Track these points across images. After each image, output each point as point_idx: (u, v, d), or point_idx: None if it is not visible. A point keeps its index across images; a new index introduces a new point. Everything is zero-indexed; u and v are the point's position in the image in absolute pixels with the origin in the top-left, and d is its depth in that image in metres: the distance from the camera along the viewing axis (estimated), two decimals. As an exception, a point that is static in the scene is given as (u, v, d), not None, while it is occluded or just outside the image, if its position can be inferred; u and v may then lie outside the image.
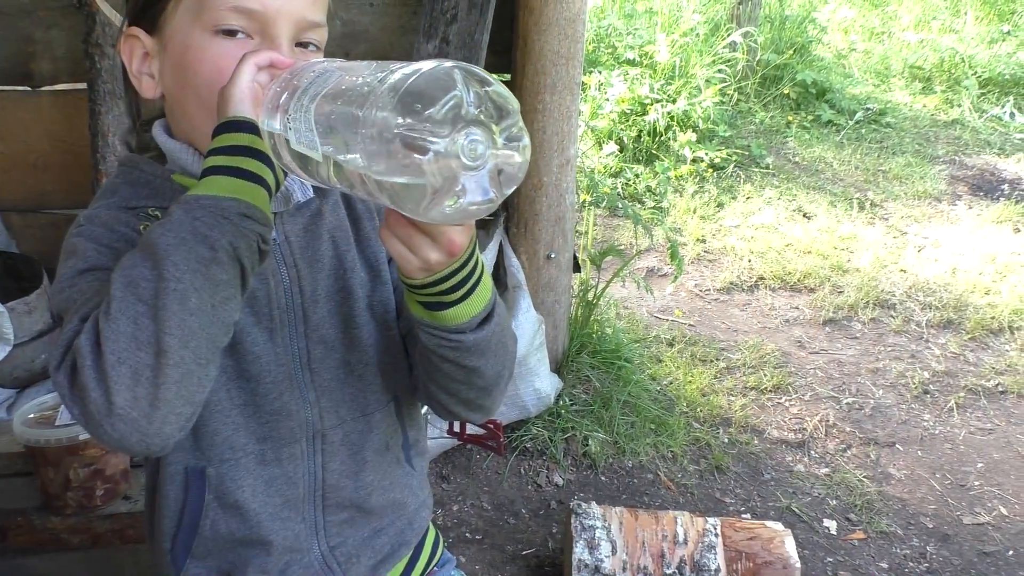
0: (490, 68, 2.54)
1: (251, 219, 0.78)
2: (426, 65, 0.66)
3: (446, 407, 1.04)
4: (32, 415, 1.81)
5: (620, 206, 3.92)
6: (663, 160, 4.82)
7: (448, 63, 0.67)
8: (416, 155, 0.65)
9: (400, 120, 0.64)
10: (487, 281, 0.91)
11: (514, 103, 0.70)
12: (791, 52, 5.83)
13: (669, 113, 4.93)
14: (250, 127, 0.81)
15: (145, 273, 0.75)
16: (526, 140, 0.72)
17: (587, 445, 2.76)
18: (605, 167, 4.77)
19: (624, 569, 2.10)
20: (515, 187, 0.72)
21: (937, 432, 2.99)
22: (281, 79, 0.82)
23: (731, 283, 3.91)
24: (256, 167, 0.80)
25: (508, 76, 2.59)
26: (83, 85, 2.42)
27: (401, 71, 0.66)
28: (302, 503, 1.03)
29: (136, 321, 0.74)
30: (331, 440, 1.03)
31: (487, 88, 0.68)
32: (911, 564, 2.44)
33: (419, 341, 0.95)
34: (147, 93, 0.97)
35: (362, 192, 0.70)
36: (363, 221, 1.08)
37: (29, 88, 2.56)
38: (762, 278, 3.94)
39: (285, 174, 0.86)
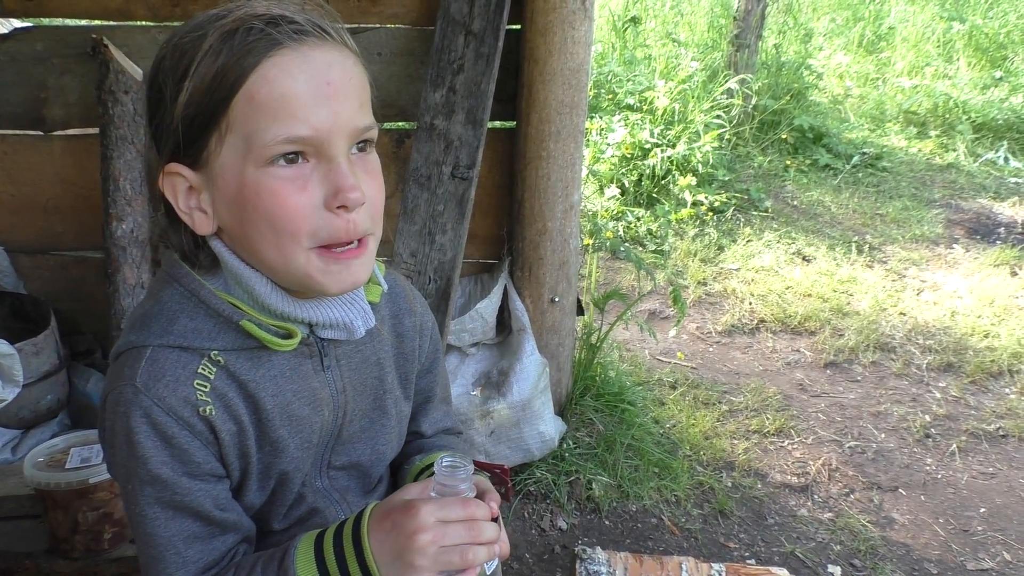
0: (496, 116, 2.59)
1: None
2: None
3: None
4: (42, 458, 1.82)
5: (623, 249, 3.95)
6: (664, 204, 4.88)
7: None
8: None
9: None
10: None
11: None
12: (788, 97, 5.92)
13: (669, 157, 5.00)
14: None
15: None
16: None
17: (591, 488, 2.76)
18: (607, 211, 4.82)
19: (630, 615, 2.09)
20: None
21: (940, 476, 3.00)
22: None
23: (732, 326, 3.94)
24: None
25: (513, 124, 2.63)
26: (94, 130, 2.46)
27: None
28: None
29: None
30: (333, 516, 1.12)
31: None
32: (917, 611, 2.43)
33: None
34: (202, 229, 0.92)
35: None
36: (406, 340, 1.15)
37: (41, 133, 2.60)
38: (763, 321, 3.97)
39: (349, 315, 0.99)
